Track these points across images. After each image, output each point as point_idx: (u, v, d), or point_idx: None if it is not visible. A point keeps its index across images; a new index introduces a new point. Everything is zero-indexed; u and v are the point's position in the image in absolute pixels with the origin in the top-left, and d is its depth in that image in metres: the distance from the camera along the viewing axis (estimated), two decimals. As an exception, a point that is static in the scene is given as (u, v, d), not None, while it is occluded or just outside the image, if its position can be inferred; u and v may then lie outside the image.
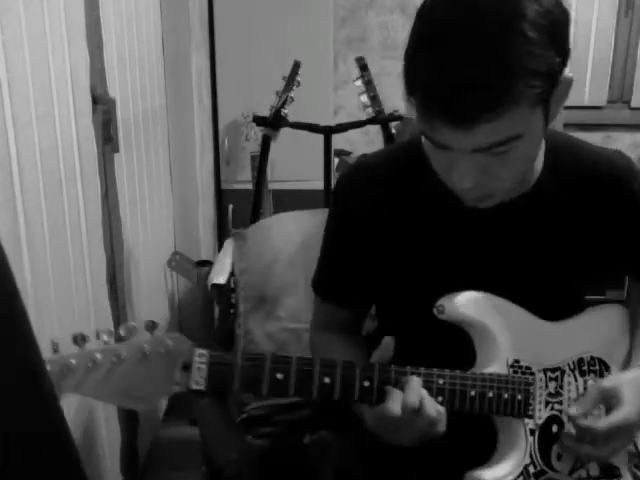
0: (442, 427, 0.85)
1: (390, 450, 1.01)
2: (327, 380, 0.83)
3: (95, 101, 1.47)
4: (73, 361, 0.65)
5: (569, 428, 0.91)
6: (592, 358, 0.97)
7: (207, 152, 2.76)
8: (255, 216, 2.27)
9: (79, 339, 0.66)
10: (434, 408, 0.84)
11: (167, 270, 2.33)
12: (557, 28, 0.77)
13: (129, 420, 1.81)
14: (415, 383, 0.84)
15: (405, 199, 0.97)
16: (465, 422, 0.90)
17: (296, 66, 2.12)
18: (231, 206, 2.83)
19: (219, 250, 2.70)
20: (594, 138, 3.07)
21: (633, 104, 3.26)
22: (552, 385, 0.93)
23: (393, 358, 1.11)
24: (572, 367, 0.96)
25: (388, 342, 0.88)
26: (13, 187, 1.09)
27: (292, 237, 1.47)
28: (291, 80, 2.12)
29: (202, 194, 2.61)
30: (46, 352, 0.64)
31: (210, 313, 2.21)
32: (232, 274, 1.51)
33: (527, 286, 0.97)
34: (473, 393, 0.88)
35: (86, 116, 1.41)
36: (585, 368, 0.96)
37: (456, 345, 0.93)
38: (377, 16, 3.11)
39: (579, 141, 1.01)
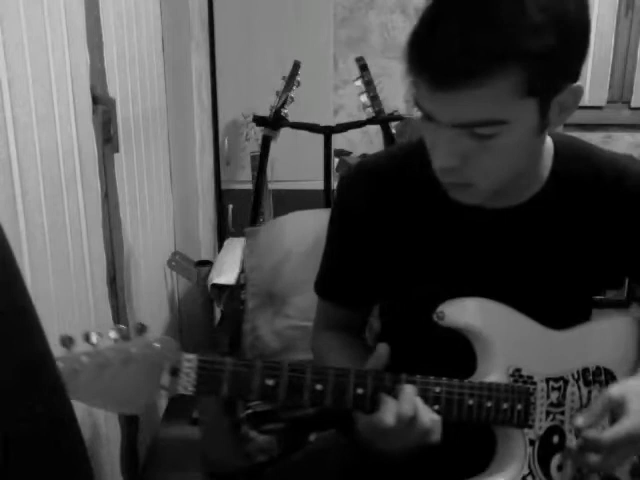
0: (436, 436, 0.83)
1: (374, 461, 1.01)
2: (319, 387, 0.81)
3: (95, 101, 1.47)
4: (60, 364, 0.64)
5: (571, 439, 0.90)
6: (598, 368, 0.95)
7: (207, 152, 2.77)
8: (255, 216, 2.27)
9: (67, 341, 0.65)
10: (428, 417, 0.82)
11: (167, 270, 2.33)
12: (562, 22, 0.75)
13: (129, 420, 1.81)
14: (409, 392, 0.82)
15: (407, 200, 0.97)
16: (464, 430, 0.89)
17: (296, 66, 2.12)
18: (231, 206, 2.83)
19: (219, 250, 2.71)
20: (594, 138, 3.08)
21: (633, 104, 3.26)
22: (554, 395, 0.91)
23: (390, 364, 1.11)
24: (576, 377, 0.93)
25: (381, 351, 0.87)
26: (13, 187, 1.09)
27: (305, 236, 1.46)
28: (291, 80, 2.12)
29: (202, 194, 2.61)
30: None
31: (210, 313, 2.21)
32: (242, 271, 1.51)
33: (530, 291, 0.95)
34: (471, 402, 0.86)
35: (86, 116, 1.41)
36: (590, 378, 0.94)
37: (456, 351, 0.92)
38: (377, 16, 3.11)
39: (591, 146, 0.99)
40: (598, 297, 1.06)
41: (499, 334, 0.91)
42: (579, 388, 0.93)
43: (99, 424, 1.51)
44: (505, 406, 0.88)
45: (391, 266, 0.99)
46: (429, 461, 0.92)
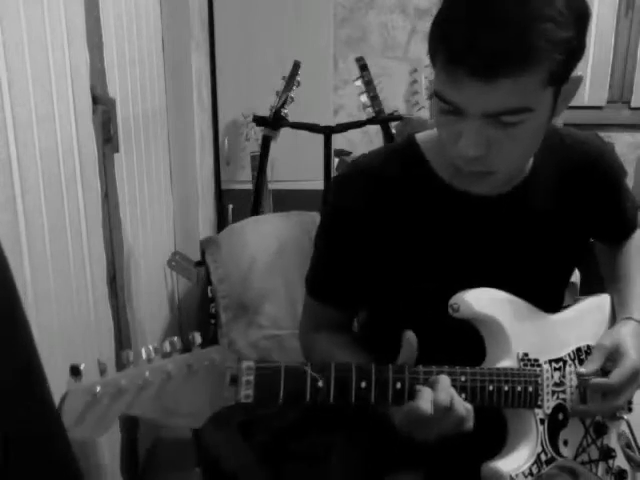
0: (470, 424, 0.87)
1: (396, 449, 1.02)
2: (364, 384, 0.84)
3: (95, 101, 1.47)
4: (124, 382, 0.64)
5: (575, 403, 0.97)
6: (589, 347, 1.02)
7: (207, 152, 2.76)
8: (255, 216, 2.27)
9: (124, 358, 0.65)
10: (463, 406, 0.86)
11: (167, 270, 2.33)
12: (581, 17, 0.82)
13: (129, 420, 1.81)
14: (445, 382, 0.86)
15: (402, 195, 0.98)
16: (475, 416, 0.91)
17: (296, 66, 2.12)
18: (231, 206, 2.83)
19: (219, 250, 2.71)
20: (594, 138, 3.07)
21: (633, 104, 3.26)
22: (557, 375, 0.97)
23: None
24: (572, 357, 1.00)
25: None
26: (13, 187, 1.09)
27: (267, 242, 1.44)
28: (291, 80, 2.12)
29: (202, 194, 2.61)
30: (90, 375, 0.63)
31: (210, 313, 2.21)
32: (209, 283, 1.47)
33: (519, 276, 1.01)
34: (491, 388, 0.91)
35: (86, 116, 1.41)
36: (583, 357, 1.00)
37: (461, 341, 0.95)
38: (377, 16, 3.11)
39: (559, 130, 1.06)
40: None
41: (508, 321, 0.96)
42: (575, 367, 0.99)
43: (99, 424, 1.50)
44: (519, 389, 0.93)
45: (389, 260, 1.00)
46: (439, 448, 0.93)
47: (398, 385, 0.85)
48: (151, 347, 0.67)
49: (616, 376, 0.94)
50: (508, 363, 0.95)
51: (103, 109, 1.52)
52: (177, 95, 2.39)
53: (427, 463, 1.00)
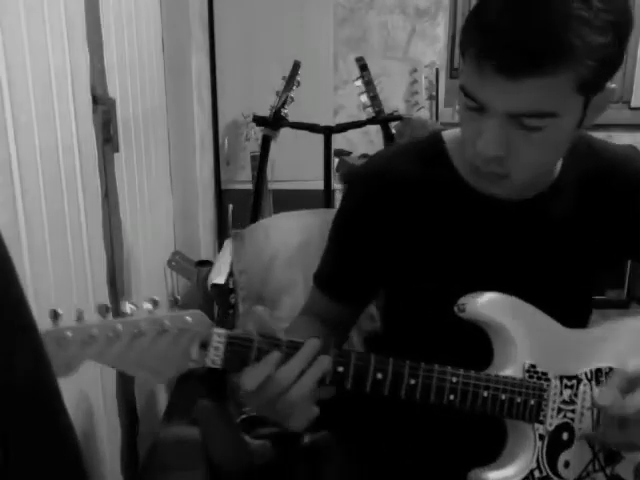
0: (300, 422, 0.79)
1: (393, 448, 1.01)
2: (340, 369, 0.81)
3: (95, 101, 1.47)
4: (95, 331, 0.68)
5: (586, 426, 0.91)
6: (611, 369, 0.95)
7: (207, 152, 2.77)
8: (255, 216, 2.28)
9: (103, 309, 0.68)
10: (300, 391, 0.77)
11: (167, 270, 2.33)
12: (621, 25, 0.79)
13: (129, 420, 1.81)
14: (275, 357, 0.76)
15: (421, 195, 0.97)
16: (475, 421, 0.90)
17: (296, 66, 2.12)
18: (231, 206, 2.84)
19: (219, 250, 2.71)
20: (594, 138, 3.07)
21: (633, 104, 3.26)
22: (567, 393, 0.92)
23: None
24: (589, 377, 0.94)
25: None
26: (13, 187, 1.09)
27: (291, 237, 1.47)
28: (291, 80, 2.12)
29: (202, 194, 2.61)
30: (67, 321, 0.68)
31: (210, 313, 2.21)
32: (231, 274, 1.50)
33: (539, 285, 0.97)
34: (486, 394, 0.87)
35: (86, 116, 1.41)
36: (603, 379, 0.95)
37: (471, 344, 0.93)
38: (377, 16, 3.11)
39: (597, 141, 1.02)
40: (598, 297, 1.06)
41: (518, 329, 0.92)
42: (591, 388, 0.94)
43: (99, 424, 1.51)
44: (519, 400, 0.89)
45: (403, 259, 0.99)
46: (436, 450, 0.93)
47: (340, 369, 0.81)
48: (129, 303, 0.70)
49: (632, 405, 0.84)
50: (511, 372, 0.91)
51: (103, 109, 1.52)
52: (177, 95, 2.39)
53: (419, 465, 0.99)
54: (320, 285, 1.07)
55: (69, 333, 0.67)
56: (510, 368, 0.91)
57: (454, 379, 0.86)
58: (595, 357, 0.95)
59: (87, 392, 1.43)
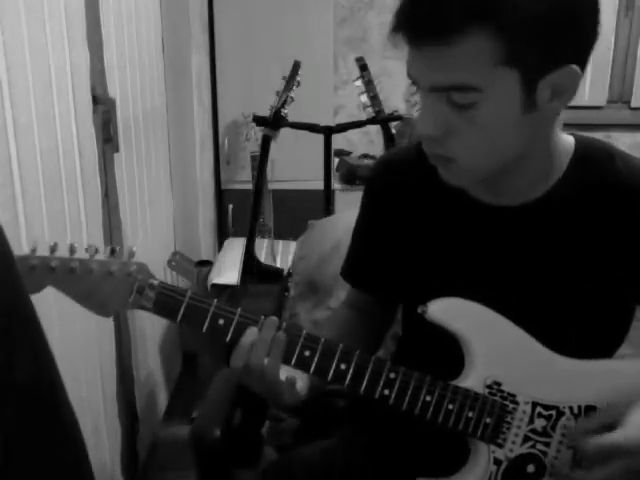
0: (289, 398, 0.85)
1: (395, 444, 1.01)
2: (307, 354, 0.84)
3: (95, 101, 1.47)
4: (54, 263, 0.84)
5: (561, 464, 0.84)
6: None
7: (207, 152, 2.77)
8: (255, 216, 2.27)
9: (72, 247, 0.85)
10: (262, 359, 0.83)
11: (167, 270, 2.33)
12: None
13: (129, 420, 1.81)
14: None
15: (429, 193, 0.96)
16: (445, 432, 0.87)
17: (296, 66, 2.12)
18: (231, 206, 2.84)
19: (219, 250, 2.71)
20: (594, 138, 3.07)
21: (633, 104, 3.26)
22: (539, 422, 0.85)
23: (394, 355, 1.12)
24: (576, 412, 0.85)
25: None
26: (13, 187, 1.09)
27: None
28: (291, 80, 2.12)
29: (202, 194, 2.61)
30: (41, 252, 0.84)
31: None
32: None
33: (541, 295, 0.90)
34: (429, 399, 0.84)
35: (86, 116, 1.41)
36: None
37: (451, 352, 0.89)
38: (377, 16, 3.11)
39: (614, 151, 0.91)
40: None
41: (481, 341, 0.86)
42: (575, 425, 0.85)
43: (99, 424, 1.51)
44: (470, 415, 0.84)
45: (409, 257, 0.99)
46: (404, 456, 0.93)
47: (342, 366, 0.84)
48: (92, 246, 0.85)
49: (594, 444, 0.77)
50: (471, 385, 0.85)
51: (103, 109, 1.52)
52: (177, 95, 2.39)
53: (420, 465, 0.95)
54: (343, 273, 1.11)
55: (36, 262, 0.83)
56: (470, 380, 0.85)
57: (392, 374, 0.84)
58: (593, 394, 0.86)
59: (87, 392, 1.43)
